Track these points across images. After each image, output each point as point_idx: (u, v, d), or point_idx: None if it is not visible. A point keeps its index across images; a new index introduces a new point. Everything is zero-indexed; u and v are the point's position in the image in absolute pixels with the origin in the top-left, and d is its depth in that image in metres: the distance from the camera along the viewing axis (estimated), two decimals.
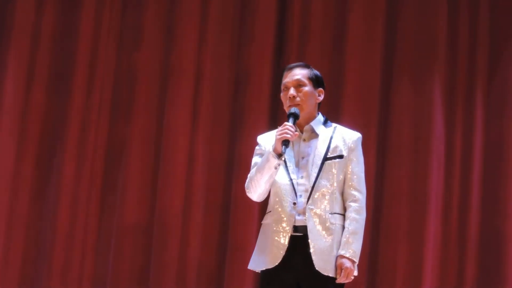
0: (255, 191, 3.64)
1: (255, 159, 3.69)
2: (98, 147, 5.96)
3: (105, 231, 5.88)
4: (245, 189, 3.68)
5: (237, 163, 5.81)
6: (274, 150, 3.49)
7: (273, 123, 5.76)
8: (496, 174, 5.70)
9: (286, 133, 3.46)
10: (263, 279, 3.61)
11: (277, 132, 3.50)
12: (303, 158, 3.62)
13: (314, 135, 3.67)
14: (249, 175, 3.65)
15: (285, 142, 3.46)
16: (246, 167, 5.72)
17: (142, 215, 5.86)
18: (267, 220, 3.65)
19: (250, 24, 5.97)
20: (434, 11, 5.86)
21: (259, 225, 5.62)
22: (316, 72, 3.76)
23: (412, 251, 5.63)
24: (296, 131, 3.52)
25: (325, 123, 3.74)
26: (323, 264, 3.50)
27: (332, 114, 5.70)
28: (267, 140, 3.70)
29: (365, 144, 5.60)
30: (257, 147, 3.74)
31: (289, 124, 3.51)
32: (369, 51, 5.88)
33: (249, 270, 3.75)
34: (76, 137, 5.93)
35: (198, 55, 5.96)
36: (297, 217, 3.56)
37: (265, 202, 5.57)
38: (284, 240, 3.54)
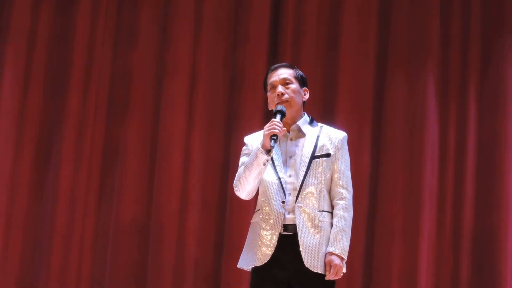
0: (244, 189, 3.65)
1: (243, 159, 3.72)
2: (95, 147, 5.99)
3: (102, 231, 5.91)
4: (234, 187, 3.70)
5: (232, 163, 5.83)
6: (263, 146, 3.51)
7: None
8: (490, 170, 5.72)
9: (274, 128, 3.49)
10: (254, 277, 3.64)
11: (264, 128, 3.53)
12: (290, 157, 3.65)
13: (301, 134, 3.70)
14: (237, 174, 3.67)
15: (274, 137, 3.49)
16: None
17: (139, 214, 5.88)
18: (255, 218, 3.67)
19: (245, 24, 6.00)
20: (427, 8, 5.89)
21: None
22: (301, 72, 3.80)
23: (407, 248, 5.64)
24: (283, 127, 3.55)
25: (311, 122, 3.76)
26: (312, 262, 3.53)
27: (327, 113, 5.76)
28: (254, 140, 3.72)
29: (359, 142, 5.69)
30: (244, 147, 3.77)
31: (276, 120, 3.54)
32: (362, 49, 5.91)
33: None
34: (73, 137, 5.96)
35: (193, 55, 5.99)
36: (287, 216, 3.58)
37: None
38: (274, 239, 3.56)
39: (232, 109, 5.96)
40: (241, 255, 3.73)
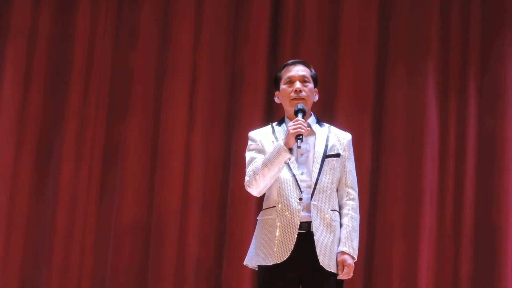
0: (258, 186, 3.63)
1: (251, 154, 3.71)
2: (96, 146, 5.98)
3: (104, 230, 5.90)
4: (246, 184, 3.68)
5: (233, 161, 5.85)
6: (286, 144, 3.49)
7: (269, 121, 5.80)
8: (490, 168, 5.74)
9: (301, 127, 3.48)
10: (264, 275, 3.62)
11: (289, 127, 3.51)
12: (302, 154, 3.65)
13: (311, 132, 3.71)
14: (251, 170, 3.65)
15: (299, 137, 3.48)
16: (242, 165, 5.76)
17: (140, 213, 5.88)
18: (271, 215, 3.64)
19: (245, 23, 6.00)
20: (427, 5, 5.91)
21: (256, 222, 5.69)
22: (314, 71, 3.82)
23: (408, 246, 5.66)
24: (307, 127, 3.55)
25: (318, 122, 3.78)
26: (327, 260, 3.54)
27: (327, 111, 5.77)
28: (262, 136, 3.73)
29: (360, 140, 5.70)
30: (251, 142, 3.76)
31: (301, 119, 3.53)
32: (363, 47, 5.92)
33: (247, 266, 3.77)
34: (74, 137, 5.95)
35: (193, 54, 5.98)
36: (302, 213, 3.58)
37: (262, 198, 5.64)
38: (293, 235, 3.55)
39: (233, 107, 5.96)
40: (249, 252, 3.70)
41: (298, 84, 3.69)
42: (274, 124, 3.80)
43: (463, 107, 5.85)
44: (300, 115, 3.58)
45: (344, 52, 5.92)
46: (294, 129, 3.48)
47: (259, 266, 3.65)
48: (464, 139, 5.81)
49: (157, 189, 5.87)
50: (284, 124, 3.74)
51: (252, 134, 3.80)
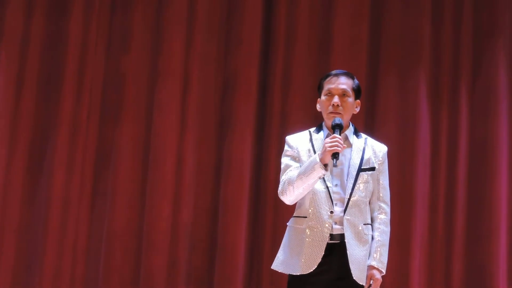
0: (292, 195, 3.61)
1: (287, 161, 3.70)
2: (88, 151, 5.92)
3: (96, 235, 5.86)
4: (279, 192, 3.66)
5: (225, 166, 5.84)
6: (321, 160, 3.49)
7: (261, 126, 5.83)
8: (481, 174, 5.83)
9: (337, 146, 3.48)
10: (294, 284, 3.63)
11: (326, 143, 3.50)
12: (337, 166, 3.62)
13: (347, 143, 3.71)
14: (286, 179, 3.64)
15: (335, 155, 3.48)
16: (234, 170, 5.78)
17: (132, 218, 5.85)
18: (302, 225, 3.64)
19: (237, 27, 6.00)
20: (419, 11, 5.97)
21: (247, 227, 5.72)
22: (358, 82, 3.80)
23: (400, 252, 5.70)
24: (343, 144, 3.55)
25: (355, 133, 3.78)
26: (359, 274, 3.58)
27: (320, 117, 5.75)
28: (299, 143, 3.72)
29: None
30: (287, 148, 3.74)
31: (338, 136, 3.53)
32: (354, 52, 5.95)
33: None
34: (66, 141, 5.88)
35: (185, 59, 5.96)
36: (334, 226, 3.60)
37: (258, 205, 5.62)
38: (321, 248, 3.56)
39: (225, 112, 5.95)
40: (277, 258, 3.70)
41: (336, 99, 3.68)
42: (312, 130, 3.78)
43: (454, 113, 5.92)
44: (337, 131, 3.58)
45: (336, 57, 5.95)
46: (330, 146, 3.48)
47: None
48: (456, 144, 5.88)
49: (149, 194, 5.83)
50: (322, 132, 3.74)
51: (289, 139, 3.78)
